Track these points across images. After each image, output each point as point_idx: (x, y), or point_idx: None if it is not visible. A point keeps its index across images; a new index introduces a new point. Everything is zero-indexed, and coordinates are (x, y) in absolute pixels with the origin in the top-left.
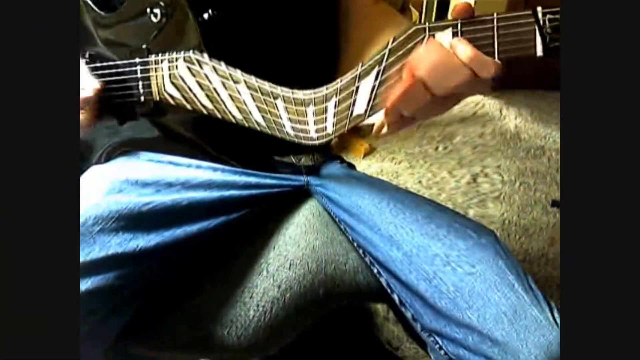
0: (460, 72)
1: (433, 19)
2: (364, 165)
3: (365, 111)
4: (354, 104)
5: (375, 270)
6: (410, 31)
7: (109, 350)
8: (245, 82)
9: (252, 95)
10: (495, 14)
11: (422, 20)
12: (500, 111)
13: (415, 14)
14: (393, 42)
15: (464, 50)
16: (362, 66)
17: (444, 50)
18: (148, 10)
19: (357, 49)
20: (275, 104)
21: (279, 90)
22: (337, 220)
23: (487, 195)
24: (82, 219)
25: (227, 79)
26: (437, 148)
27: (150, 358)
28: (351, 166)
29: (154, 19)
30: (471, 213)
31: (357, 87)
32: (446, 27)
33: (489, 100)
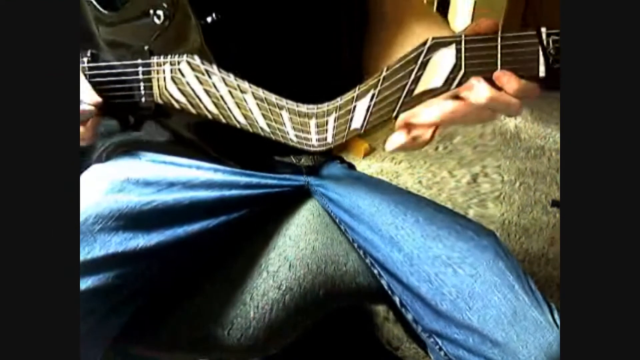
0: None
1: None
2: (364, 165)
3: (361, 126)
4: (351, 120)
5: (375, 272)
6: (406, 59)
7: (109, 350)
8: (252, 93)
9: (258, 104)
10: (499, 33)
11: None
12: None
13: None
14: (387, 69)
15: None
16: (359, 88)
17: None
18: (151, 11)
19: (383, 49)
20: (280, 114)
21: (284, 102)
22: (337, 220)
23: (487, 195)
24: (82, 218)
25: (234, 88)
26: (437, 148)
27: (150, 358)
28: (351, 166)
29: (157, 21)
30: (471, 213)
31: (355, 106)
32: (450, 42)
33: None
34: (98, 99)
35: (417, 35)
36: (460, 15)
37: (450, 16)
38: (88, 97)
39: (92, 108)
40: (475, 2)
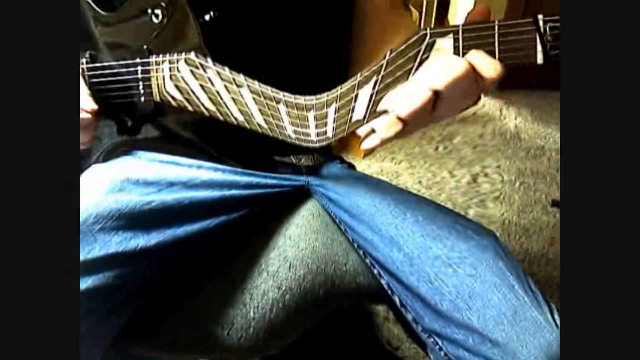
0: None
1: (433, 19)
2: (364, 165)
3: (364, 117)
4: (353, 110)
5: (375, 272)
6: (409, 42)
7: (109, 350)
8: (248, 86)
9: (254, 99)
10: (496, 21)
11: (422, 20)
12: (500, 111)
13: (415, 13)
14: (391, 53)
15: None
16: (361, 75)
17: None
18: (149, 10)
19: (370, 53)
20: (278, 108)
21: (281, 95)
22: (337, 220)
23: (487, 195)
24: (82, 218)
25: (230, 82)
26: (437, 148)
27: (150, 358)
28: (351, 166)
29: (155, 20)
30: (471, 213)
31: (356, 95)
32: (447, 33)
33: (489, 100)
34: (94, 106)
35: (395, 34)
36: (460, 16)
37: (450, 16)
38: (85, 104)
39: (89, 116)
40: (475, 2)
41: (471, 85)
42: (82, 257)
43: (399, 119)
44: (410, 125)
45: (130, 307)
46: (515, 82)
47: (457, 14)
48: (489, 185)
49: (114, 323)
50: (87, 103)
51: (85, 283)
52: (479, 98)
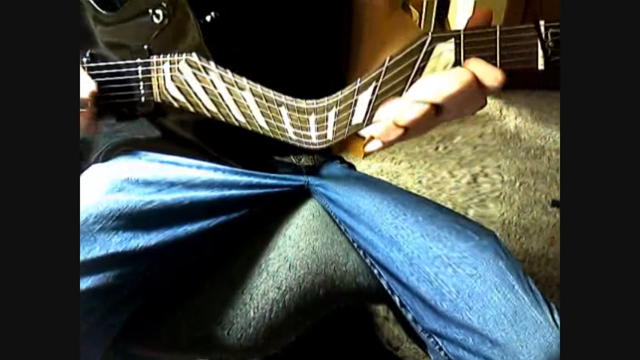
0: (477, 101)
1: (433, 19)
2: (364, 165)
3: (363, 121)
4: (352, 115)
5: (375, 272)
6: (409, 49)
7: (109, 350)
8: (250, 89)
9: (256, 101)
10: (497, 26)
11: (422, 20)
12: (500, 111)
13: (415, 14)
14: (390, 60)
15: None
16: (360, 81)
17: (465, 80)
18: (150, 10)
19: (370, 54)
20: (279, 110)
21: (283, 98)
22: (337, 220)
23: (487, 195)
24: (82, 218)
25: (232, 85)
26: (437, 148)
27: (150, 358)
28: (351, 166)
29: (155, 20)
30: (471, 213)
31: (356, 100)
32: (448, 37)
33: (489, 100)
34: (93, 88)
35: (393, 36)
36: (460, 16)
37: (450, 16)
38: (83, 84)
39: (87, 96)
40: (475, 2)
41: (473, 94)
42: (82, 257)
43: (398, 126)
44: (412, 130)
45: (130, 307)
46: (515, 82)
47: (457, 14)
48: (489, 185)
49: (114, 323)
50: (85, 86)
51: (85, 283)
52: (486, 102)
